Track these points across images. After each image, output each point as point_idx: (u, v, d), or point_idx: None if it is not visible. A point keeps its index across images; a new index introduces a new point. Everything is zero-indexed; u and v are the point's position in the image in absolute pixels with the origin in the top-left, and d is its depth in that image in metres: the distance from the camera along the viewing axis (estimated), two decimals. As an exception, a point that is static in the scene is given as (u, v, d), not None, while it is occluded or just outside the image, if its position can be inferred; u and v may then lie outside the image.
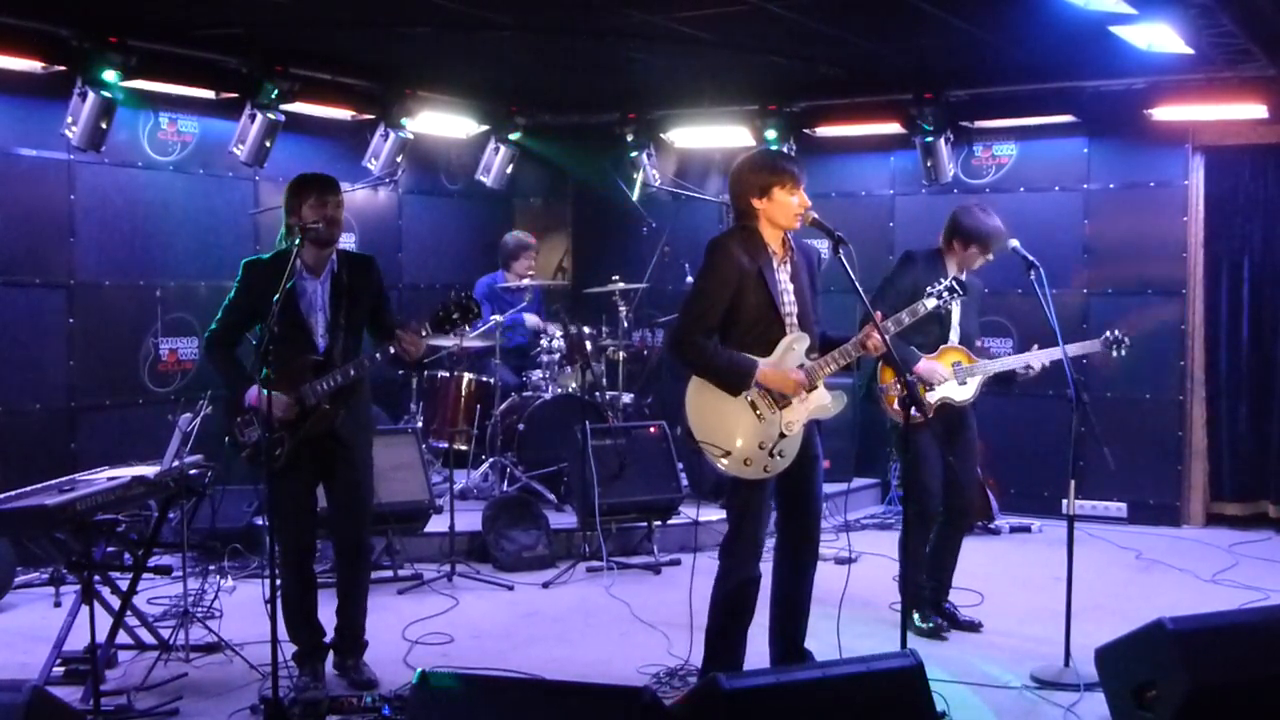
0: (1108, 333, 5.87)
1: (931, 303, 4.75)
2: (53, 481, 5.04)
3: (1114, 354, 5.88)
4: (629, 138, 9.41)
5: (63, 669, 5.00)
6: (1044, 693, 4.96)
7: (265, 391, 4.56)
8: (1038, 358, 5.68)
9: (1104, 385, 8.28)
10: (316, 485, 5.05)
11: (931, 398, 5.61)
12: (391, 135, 8.44)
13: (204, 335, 5.22)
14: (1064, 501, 5.83)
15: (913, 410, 4.43)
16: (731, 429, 4.49)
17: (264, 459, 4.73)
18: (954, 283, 4.81)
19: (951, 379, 5.64)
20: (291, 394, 4.81)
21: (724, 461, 4.49)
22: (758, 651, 4.84)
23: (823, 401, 4.63)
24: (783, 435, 4.53)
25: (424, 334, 4.82)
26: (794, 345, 4.57)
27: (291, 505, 4.93)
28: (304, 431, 4.86)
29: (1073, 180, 8.51)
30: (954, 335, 5.71)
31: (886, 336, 4.53)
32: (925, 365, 5.60)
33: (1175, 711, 3.93)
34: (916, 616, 5.69)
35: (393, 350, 4.81)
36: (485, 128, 9.30)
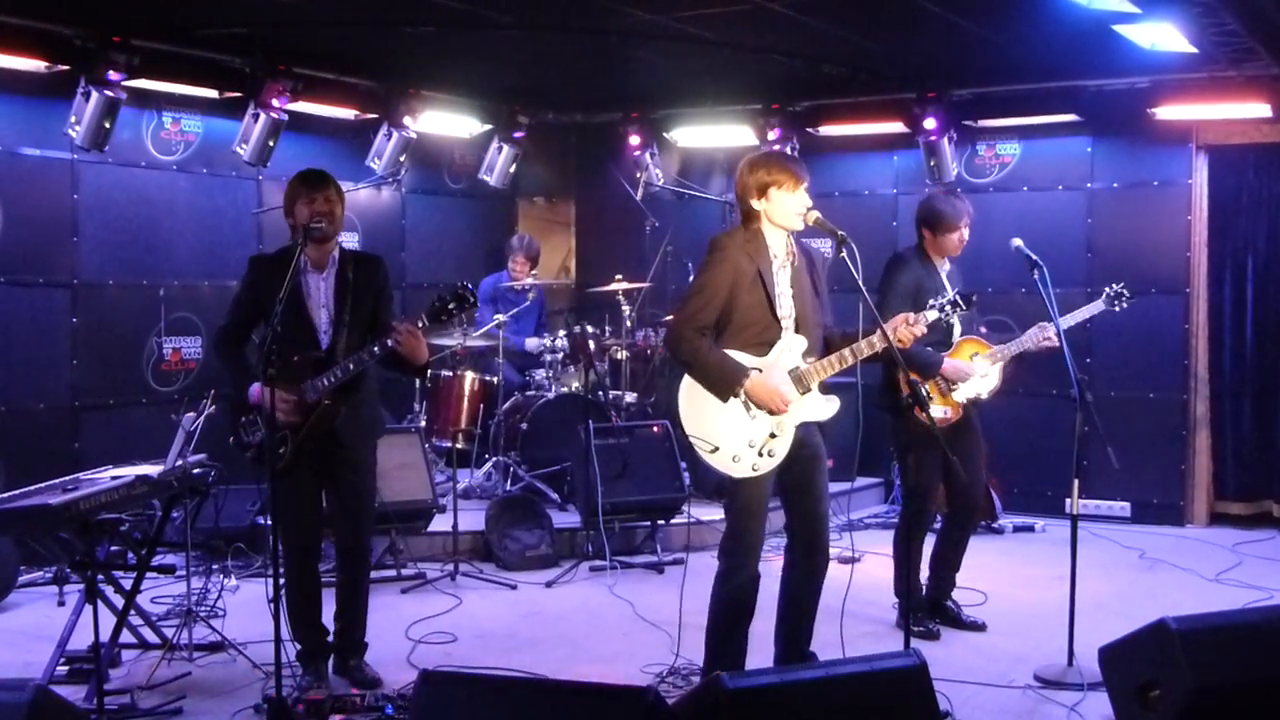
0: (1108, 289, 5.86)
1: (933, 314, 4.74)
2: (56, 481, 5.04)
3: (1117, 309, 5.87)
4: (632, 137, 9.43)
5: (66, 668, 5.01)
6: (1047, 692, 4.95)
7: (268, 389, 4.55)
8: (1047, 333, 5.63)
9: (1107, 384, 8.27)
10: (321, 486, 5.05)
11: (959, 396, 5.60)
12: (395, 134, 8.44)
13: (214, 333, 5.25)
14: (1067, 501, 5.83)
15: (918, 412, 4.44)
16: (722, 425, 4.50)
17: (268, 459, 4.73)
18: (956, 297, 4.81)
19: (976, 374, 5.63)
20: (293, 391, 4.81)
21: (712, 456, 4.49)
22: (761, 652, 4.84)
23: (816, 404, 4.63)
24: (773, 435, 4.53)
25: (421, 325, 4.79)
26: (790, 347, 4.57)
27: (295, 505, 4.93)
28: (306, 430, 4.86)
29: (1076, 179, 8.50)
30: (957, 330, 5.70)
31: (894, 344, 4.53)
32: (951, 365, 5.58)
33: (1179, 711, 3.93)
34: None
35: (390, 343, 4.73)
36: (488, 127, 9.30)
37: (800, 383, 4.55)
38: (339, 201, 4.97)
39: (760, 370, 4.51)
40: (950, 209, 5.67)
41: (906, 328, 4.59)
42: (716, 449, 4.49)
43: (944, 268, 5.73)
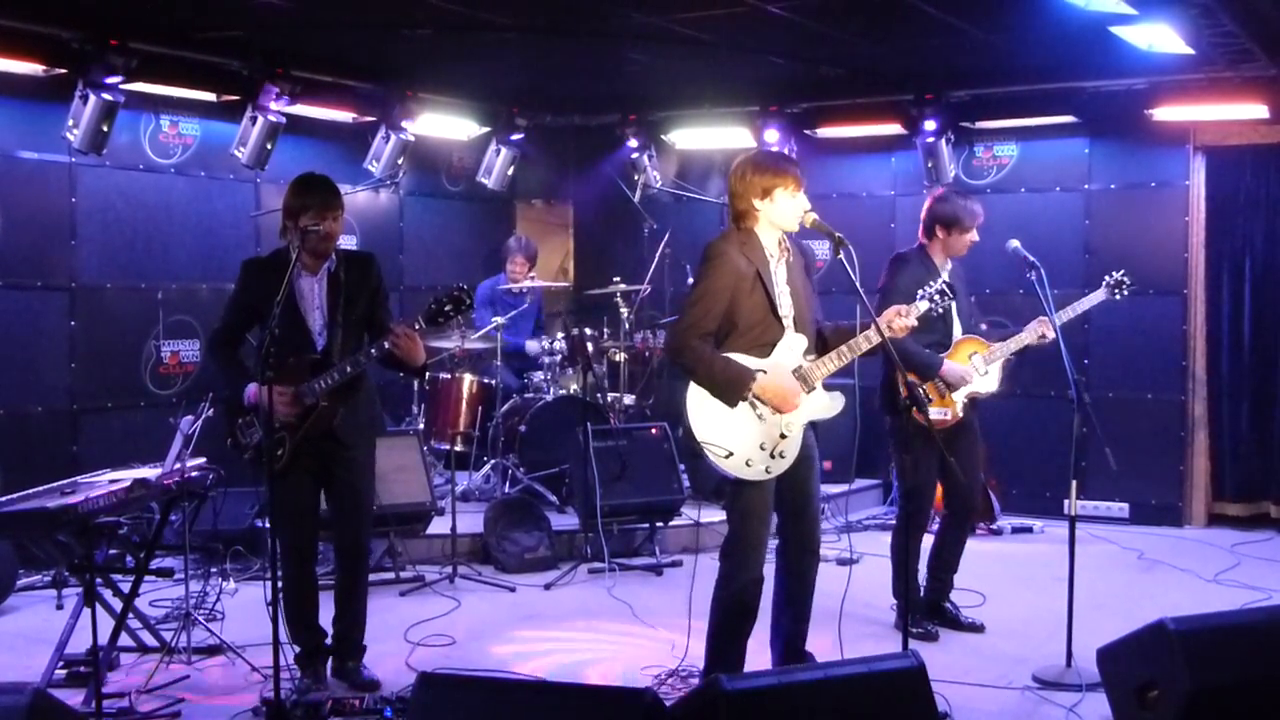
0: (1107, 277, 5.87)
1: (924, 305, 4.75)
2: (54, 484, 5.03)
3: (1118, 296, 5.88)
4: (630, 140, 9.43)
5: (64, 671, 5.00)
6: (1046, 693, 4.96)
7: (266, 391, 4.55)
8: (1047, 327, 5.62)
9: (1106, 385, 8.28)
10: (318, 487, 5.04)
11: (958, 396, 5.61)
12: (393, 137, 8.44)
13: (208, 336, 5.24)
14: (1066, 502, 5.83)
15: (917, 413, 4.45)
16: (733, 429, 4.49)
17: (264, 460, 4.72)
18: (944, 285, 4.82)
19: (976, 375, 5.63)
20: (291, 393, 4.80)
21: (726, 462, 4.49)
22: (757, 654, 4.84)
23: (822, 403, 4.64)
24: (783, 436, 4.53)
25: (418, 327, 4.78)
26: (792, 347, 4.58)
27: (293, 507, 4.93)
28: (304, 431, 4.85)
29: (1074, 181, 8.51)
30: (957, 328, 5.71)
31: (891, 343, 4.53)
32: (950, 369, 5.59)
33: (1177, 712, 3.93)
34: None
35: (387, 345, 4.73)
36: (486, 129, 9.30)
37: (804, 381, 4.56)
38: (342, 217, 4.98)
39: (765, 372, 4.51)
40: (968, 213, 5.69)
41: (899, 320, 4.61)
42: (731, 454, 4.48)
43: (945, 267, 5.73)
